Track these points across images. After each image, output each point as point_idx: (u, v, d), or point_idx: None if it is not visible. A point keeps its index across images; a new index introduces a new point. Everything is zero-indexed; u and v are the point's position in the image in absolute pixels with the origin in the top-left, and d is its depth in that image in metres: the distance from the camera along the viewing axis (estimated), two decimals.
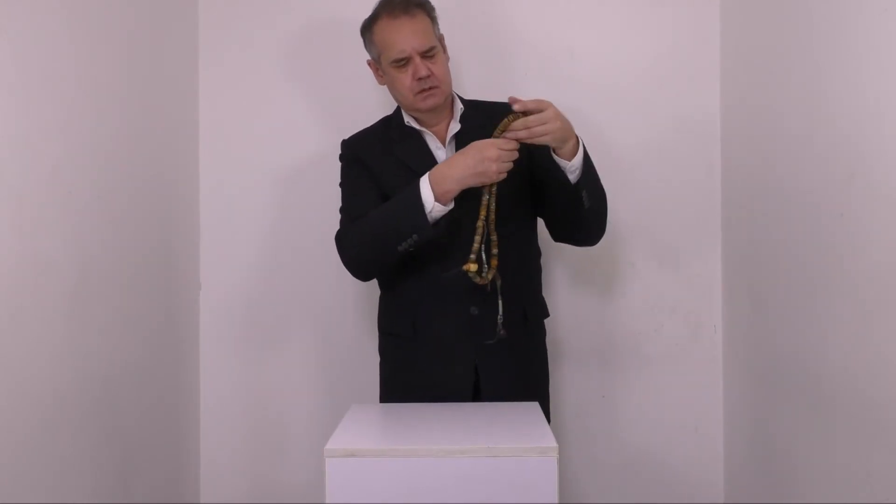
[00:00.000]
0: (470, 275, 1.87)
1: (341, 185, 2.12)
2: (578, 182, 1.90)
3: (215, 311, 2.56)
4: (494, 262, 1.91)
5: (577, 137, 1.89)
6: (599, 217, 2.01)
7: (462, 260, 1.89)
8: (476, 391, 2.03)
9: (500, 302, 1.92)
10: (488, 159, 1.82)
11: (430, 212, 1.85)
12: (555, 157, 1.89)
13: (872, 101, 1.64)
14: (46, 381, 1.73)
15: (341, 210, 2.09)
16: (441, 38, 2.07)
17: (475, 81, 2.41)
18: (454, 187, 1.85)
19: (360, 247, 1.98)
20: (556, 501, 1.53)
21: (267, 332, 2.57)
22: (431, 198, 1.85)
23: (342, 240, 2.02)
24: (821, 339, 1.87)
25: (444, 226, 1.88)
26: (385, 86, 2.10)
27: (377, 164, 2.06)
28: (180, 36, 2.47)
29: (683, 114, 2.49)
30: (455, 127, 2.06)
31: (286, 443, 2.56)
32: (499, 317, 1.92)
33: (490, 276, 1.90)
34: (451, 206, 1.87)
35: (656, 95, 2.49)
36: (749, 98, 2.30)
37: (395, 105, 2.15)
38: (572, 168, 1.90)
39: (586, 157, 1.91)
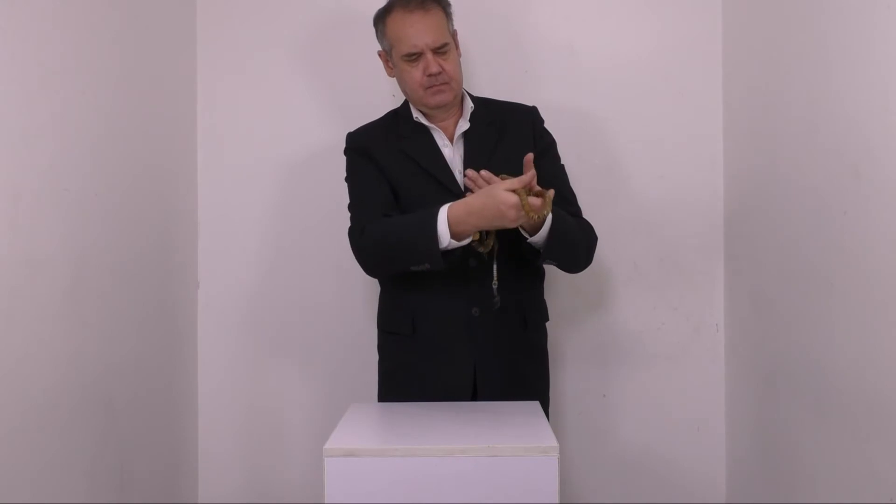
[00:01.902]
0: (473, 243, 1.86)
1: (347, 179, 2.09)
2: (542, 252, 1.91)
3: (213, 308, 2.55)
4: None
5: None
6: (572, 264, 2.03)
7: (464, 260, 1.92)
8: (474, 392, 2.02)
9: (494, 266, 1.90)
10: (508, 219, 1.78)
11: (446, 246, 1.83)
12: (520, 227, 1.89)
13: (877, 97, 1.62)
14: (42, 379, 1.72)
15: (350, 207, 2.06)
16: (454, 34, 2.06)
17: (474, 78, 2.39)
18: (471, 230, 1.83)
19: (374, 256, 1.97)
20: (557, 501, 1.52)
21: (266, 330, 2.55)
22: (447, 235, 1.82)
23: (357, 240, 1.98)
24: (824, 337, 1.85)
25: (458, 255, 1.87)
26: (394, 78, 2.09)
27: (383, 158, 2.04)
28: (177, 29, 2.46)
29: (685, 109, 2.47)
30: (464, 125, 2.05)
31: (285, 442, 2.55)
32: (493, 282, 1.89)
33: (490, 243, 1.90)
34: (467, 241, 1.85)
35: (658, 91, 2.48)
36: (752, 94, 2.28)
37: (400, 99, 2.13)
38: (534, 242, 1.90)
39: (556, 232, 1.87)
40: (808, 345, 1.94)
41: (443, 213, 1.83)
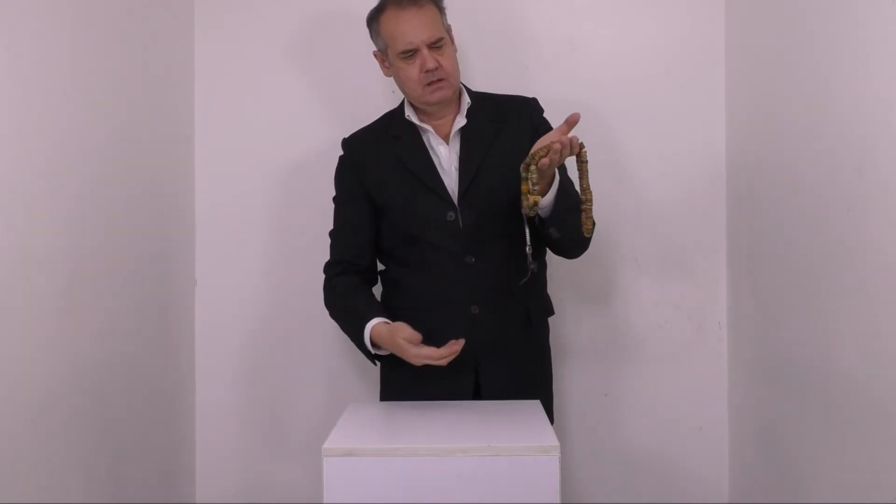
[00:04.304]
0: (535, 208, 1.75)
1: (334, 199, 2.12)
2: (547, 218, 1.87)
3: (211, 306, 2.53)
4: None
5: (554, 176, 1.84)
6: (574, 244, 1.98)
7: (460, 259, 1.95)
8: (477, 391, 2.01)
9: (527, 230, 1.84)
10: (408, 357, 1.88)
11: (376, 352, 1.96)
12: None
13: (880, 93, 1.61)
14: (39, 378, 1.71)
15: (330, 233, 2.11)
16: (448, 29, 2.05)
17: (474, 73, 2.38)
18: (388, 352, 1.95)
19: (328, 309, 2.09)
20: (558, 501, 1.51)
21: (264, 328, 2.54)
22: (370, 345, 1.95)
23: (325, 282, 2.10)
24: (827, 335, 1.84)
25: (388, 356, 1.96)
26: (391, 77, 2.08)
27: (374, 164, 2.06)
28: (175, 27, 2.45)
29: (688, 106, 2.46)
30: (461, 122, 2.04)
31: (284, 441, 2.53)
32: (527, 247, 1.84)
33: (533, 200, 1.76)
34: (387, 352, 1.95)
35: (660, 87, 2.46)
36: (755, 89, 2.27)
37: (399, 98, 2.12)
38: (541, 206, 1.84)
39: (561, 195, 1.84)
40: (811, 342, 1.93)
41: (368, 328, 1.93)
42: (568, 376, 2.48)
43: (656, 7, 2.47)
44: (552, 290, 2.22)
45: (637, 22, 2.48)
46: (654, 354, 2.48)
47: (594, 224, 1.80)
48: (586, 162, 1.78)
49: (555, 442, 1.53)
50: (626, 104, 2.46)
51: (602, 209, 2.39)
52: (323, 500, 1.52)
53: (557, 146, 1.71)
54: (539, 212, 1.86)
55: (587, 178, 1.79)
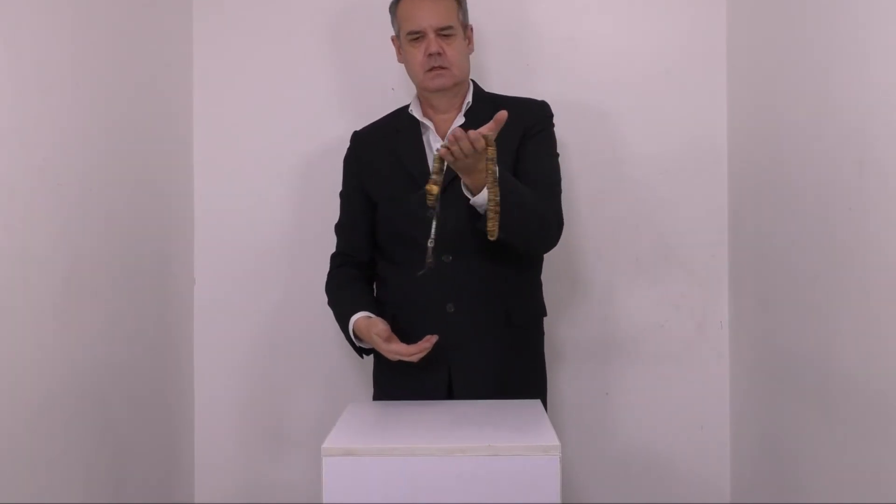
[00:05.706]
0: (430, 198, 1.69)
1: (340, 193, 2.16)
2: (481, 216, 1.79)
3: (209, 306, 2.53)
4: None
5: (492, 173, 1.74)
6: (526, 243, 1.95)
7: (437, 256, 1.86)
8: (450, 390, 2.00)
9: (433, 223, 1.73)
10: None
11: (361, 345, 2.01)
12: (462, 186, 1.82)
13: (882, 92, 1.61)
14: (37, 379, 1.71)
15: (335, 227, 2.16)
16: (468, 28, 2.09)
17: (475, 71, 2.37)
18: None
19: (330, 307, 2.12)
20: (559, 501, 1.50)
21: (263, 328, 2.53)
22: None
23: (328, 271, 2.15)
24: (829, 335, 1.84)
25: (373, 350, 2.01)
26: (402, 64, 2.11)
27: (372, 159, 2.08)
28: (174, 24, 2.44)
29: (689, 106, 2.45)
30: (459, 120, 2.05)
31: (282, 441, 2.53)
32: (429, 241, 1.73)
33: (435, 191, 1.70)
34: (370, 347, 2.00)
35: (661, 85, 2.46)
36: (756, 88, 2.27)
37: (398, 95, 2.14)
38: (475, 204, 1.80)
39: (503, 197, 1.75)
40: (813, 342, 1.92)
41: (352, 321, 1.98)
42: (568, 376, 2.47)
43: (658, 6, 2.47)
44: (551, 289, 2.21)
45: (638, 21, 2.47)
46: (654, 354, 2.47)
47: (497, 230, 1.70)
48: (491, 160, 1.69)
49: (555, 442, 1.52)
50: (627, 103, 2.46)
51: (603, 208, 2.40)
52: (322, 500, 1.52)
53: (451, 137, 1.68)
54: (478, 209, 1.81)
55: (492, 177, 1.69)
